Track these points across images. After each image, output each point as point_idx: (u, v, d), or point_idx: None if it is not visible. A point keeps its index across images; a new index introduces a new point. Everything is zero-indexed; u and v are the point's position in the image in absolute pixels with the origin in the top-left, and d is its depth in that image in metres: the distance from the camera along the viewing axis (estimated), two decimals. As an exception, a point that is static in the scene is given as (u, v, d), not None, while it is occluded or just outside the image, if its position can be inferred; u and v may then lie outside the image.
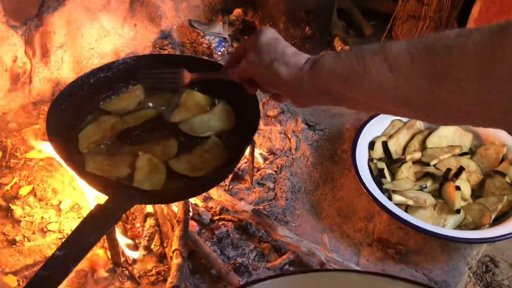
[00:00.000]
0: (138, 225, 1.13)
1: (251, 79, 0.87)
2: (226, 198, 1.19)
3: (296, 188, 1.28)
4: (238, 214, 1.16)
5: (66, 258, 0.67)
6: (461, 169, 1.20)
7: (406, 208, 1.17)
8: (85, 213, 1.12)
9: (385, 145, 1.30)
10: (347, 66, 0.67)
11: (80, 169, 0.92)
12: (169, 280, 0.98)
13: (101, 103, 1.13)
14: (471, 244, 1.14)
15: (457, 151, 1.27)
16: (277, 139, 1.40)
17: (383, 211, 1.13)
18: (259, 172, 1.31)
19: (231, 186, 1.27)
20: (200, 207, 1.20)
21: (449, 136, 1.31)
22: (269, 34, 0.83)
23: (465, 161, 1.25)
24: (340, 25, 1.80)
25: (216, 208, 1.20)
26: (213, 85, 1.13)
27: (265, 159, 1.36)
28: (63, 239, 1.08)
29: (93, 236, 0.71)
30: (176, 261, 1.01)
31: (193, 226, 1.15)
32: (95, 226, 0.73)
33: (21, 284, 1.00)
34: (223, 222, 1.18)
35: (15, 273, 1.02)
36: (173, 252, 1.03)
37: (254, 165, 1.28)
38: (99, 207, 0.77)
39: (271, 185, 1.28)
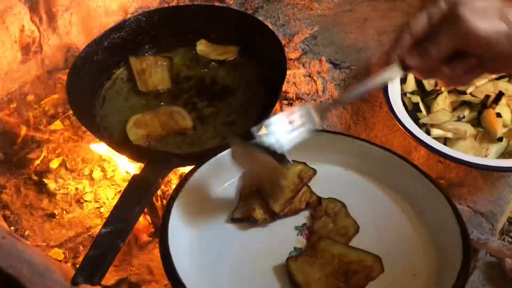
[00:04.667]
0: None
1: None
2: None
3: (328, 132, 1.24)
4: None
5: (113, 235, 0.65)
6: (500, 94, 1.14)
7: (445, 140, 1.12)
8: (118, 180, 1.11)
9: (417, 77, 1.23)
10: None
11: (111, 140, 0.90)
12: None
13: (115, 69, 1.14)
14: (515, 171, 1.10)
15: (494, 75, 1.20)
16: (302, 83, 1.34)
17: (420, 146, 1.09)
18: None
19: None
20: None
21: (484, 61, 1.23)
22: None
23: (504, 85, 1.18)
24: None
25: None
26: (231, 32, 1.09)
27: (290, 104, 1.32)
28: (101, 208, 1.08)
29: (137, 209, 0.70)
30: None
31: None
32: (136, 198, 0.71)
33: (67, 256, 1.01)
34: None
35: (60, 246, 1.03)
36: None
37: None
38: (137, 178, 0.75)
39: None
